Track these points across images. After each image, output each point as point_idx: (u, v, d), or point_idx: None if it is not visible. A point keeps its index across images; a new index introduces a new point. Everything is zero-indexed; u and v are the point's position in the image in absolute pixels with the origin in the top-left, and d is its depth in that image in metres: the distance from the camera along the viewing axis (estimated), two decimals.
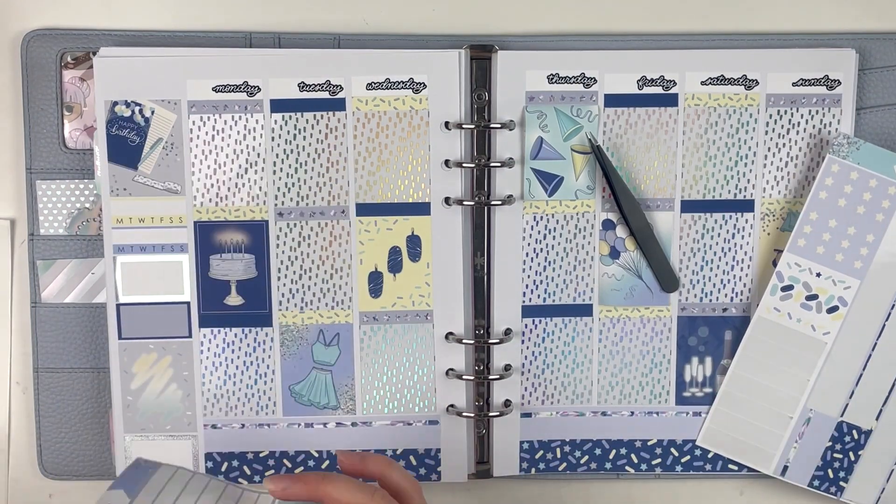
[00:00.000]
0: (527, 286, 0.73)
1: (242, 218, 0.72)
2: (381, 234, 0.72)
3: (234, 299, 0.73)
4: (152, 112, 0.71)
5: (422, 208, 0.72)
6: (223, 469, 0.74)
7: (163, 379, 0.73)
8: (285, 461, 0.74)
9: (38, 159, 0.72)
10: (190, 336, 0.73)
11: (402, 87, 0.71)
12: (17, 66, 0.72)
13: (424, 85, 0.71)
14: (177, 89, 0.70)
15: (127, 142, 0.71)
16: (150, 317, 0.73)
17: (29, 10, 0.72)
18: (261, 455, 0.74)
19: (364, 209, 0.72)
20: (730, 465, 0.75)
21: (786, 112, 0.72)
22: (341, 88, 0.71)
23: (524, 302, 0.73)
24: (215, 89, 0.71)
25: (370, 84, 0.71)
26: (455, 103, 0.71)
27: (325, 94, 0.71)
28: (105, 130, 0.71)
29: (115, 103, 0.70)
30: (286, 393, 0.74)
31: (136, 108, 0.70)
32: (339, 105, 0.71)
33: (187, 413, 0.74)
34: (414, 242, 0.72)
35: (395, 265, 0.72)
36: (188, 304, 0.73)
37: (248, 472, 0.74)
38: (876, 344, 0.72)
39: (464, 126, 0.71)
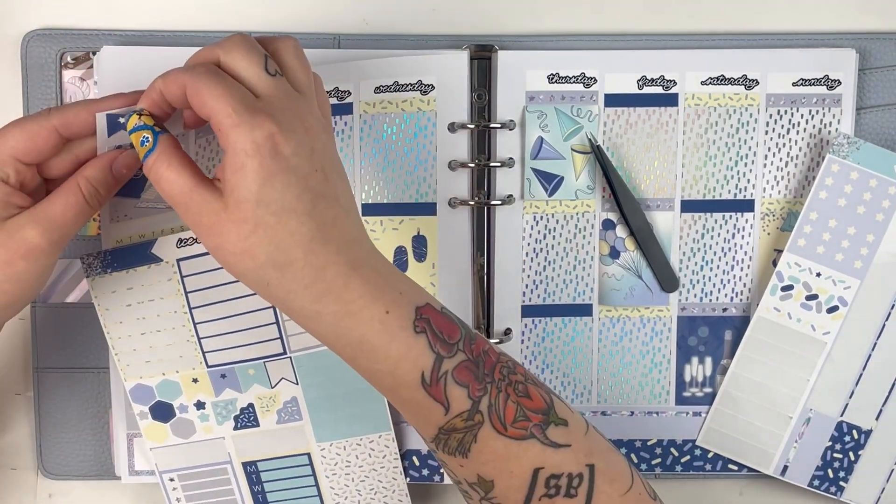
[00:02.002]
0: (527, 286, 0.73)
1: None
2: (386, 234, 0.72)
3: None
4: None
5: (428, 208, 0.72)
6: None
7: None
8: None
9: None
10: None
11: (411, 89, 0.71)
12: (17, 66, 0.72)
13: (433, 87, 0.71)
14: None
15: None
16: None
17: (29, 10, 0.72)
18: None
19: (370, 209, 0.72)
20: (730, 465, 0.75)
21: (786, 112, 0.72)
22: (349, 94, 0.70)
23: (524, 302, 0.73)
24: None
25: (378, 87, 0.70)
26: (462, 104, 0.71)
27: (334, 101, 0.70)
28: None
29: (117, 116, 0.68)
30: None
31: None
32: (346, 109, 0.71)
33: None
34: (420, 242, 0.72)
35: (400, 265, 0.72)
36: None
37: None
38: (876, 344, 0.72)
39: (464, 126, 0.71)
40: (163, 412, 0.70)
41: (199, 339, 0.68)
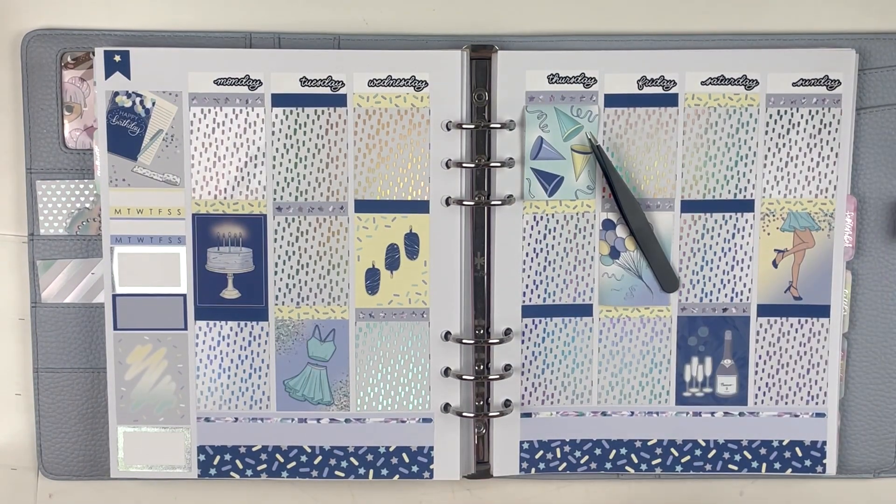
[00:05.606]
0: (527, 286, 0.73)
1: (241, 211, 0.72)
2: (379, 231, 0.72)
3: (230, 293, 0.73)
4: (153, 103, 0.71)
5: (420, 206, 0.72)
6: (215, 462, 0.74)
7: (157, 371, 0.73)
8: (278, 456, 0.74)
9: (38, 159, 0.73)
10: (185, 328, 0.73)
11: (404, 85, 0.71)
12: (17, 66, 0.72)
13: (426, 83, 0.71)
14: (178, 81, 0.71)
15: (127, 132, 0.71)
16: (146, 308, 0.73)
17: (29, 10, 0.72)
18: (253, 449, 0.74)
19: (363, 206, 0.72)
20: (730, 466, 0.75)
21: (786, 112, 0.72)
22: (343, 84, 0.71)
23: (524, 302, 0.73)
24: (217, 82, 0.71)
25: (372, 81, 0.71)
26: (456, 103, 0.71)
27: (327, 90, 0.71)
28: (105, 120, 0.71)
29: (116, 93, 0.71)
30: (280, 387, 0.74)
31: (137, 99, 0.71)
32: (340, 101, 0.71)
33: (181, 405, 0.74)
34: (412, 240, 0.72)
35: (392, 262, 0.72)
36: (184, 296, 0.73)
37: (241, 465, 0.74)
38: None
39: (464, 126, 0.71)
40: None
41: None
